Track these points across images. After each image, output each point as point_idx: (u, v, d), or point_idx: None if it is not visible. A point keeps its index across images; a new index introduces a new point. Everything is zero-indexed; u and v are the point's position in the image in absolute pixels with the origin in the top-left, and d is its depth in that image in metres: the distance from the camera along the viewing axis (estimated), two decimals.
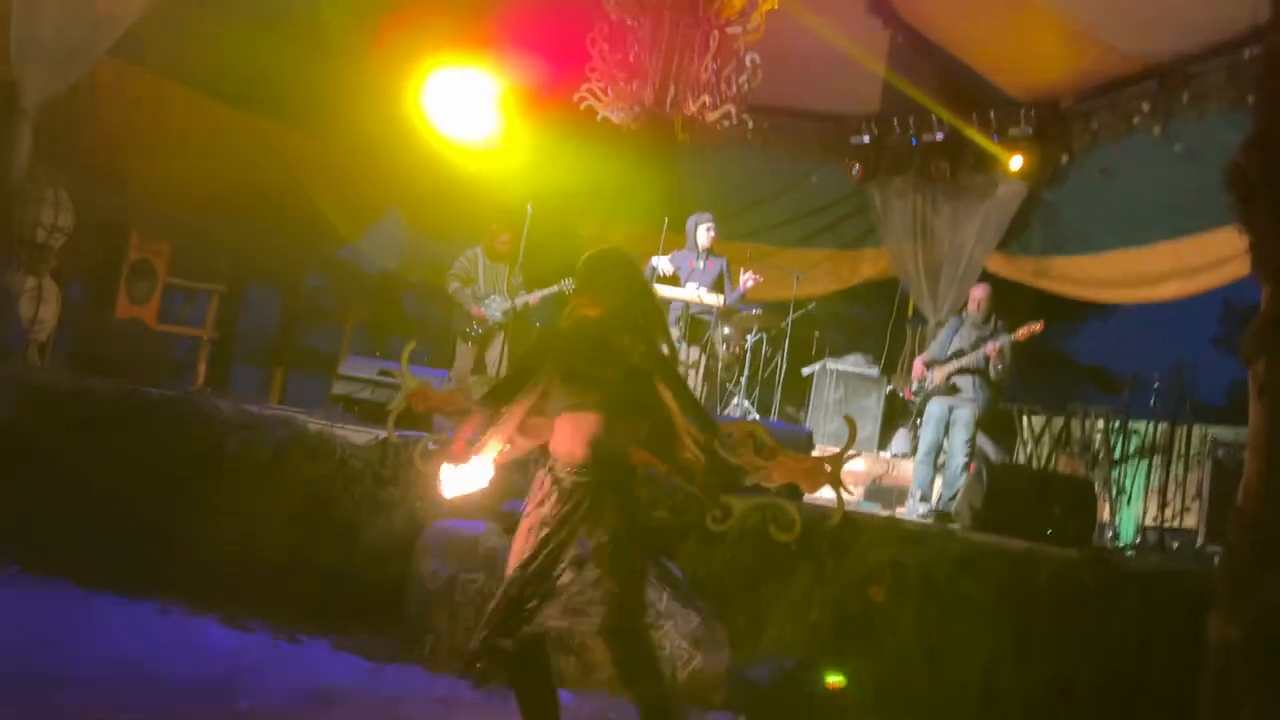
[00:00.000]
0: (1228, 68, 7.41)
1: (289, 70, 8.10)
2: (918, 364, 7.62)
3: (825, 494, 5.76)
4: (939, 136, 9.26)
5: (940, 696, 5.18)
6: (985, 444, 8.36)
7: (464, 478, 3.64)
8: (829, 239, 10.31)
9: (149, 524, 5.38)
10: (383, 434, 5.76)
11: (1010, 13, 7.82)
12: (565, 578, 3.49)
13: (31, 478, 5.46)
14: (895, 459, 8.74)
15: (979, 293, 7.58)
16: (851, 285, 10.38)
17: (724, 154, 9.85)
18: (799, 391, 9.51)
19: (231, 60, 7.99)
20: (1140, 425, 8.15)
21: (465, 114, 8.26)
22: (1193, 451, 7.94)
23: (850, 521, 5.61)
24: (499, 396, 3.69)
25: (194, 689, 4.09)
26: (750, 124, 8.55)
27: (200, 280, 9.41)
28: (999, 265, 9.45)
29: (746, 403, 8.41)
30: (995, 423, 8.36)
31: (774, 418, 8.80)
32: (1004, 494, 6.28)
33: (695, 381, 7.81)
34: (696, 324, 7.94)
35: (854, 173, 9.68)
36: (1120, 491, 7.88)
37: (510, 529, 4.78)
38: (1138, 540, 7.40)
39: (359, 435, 5.89)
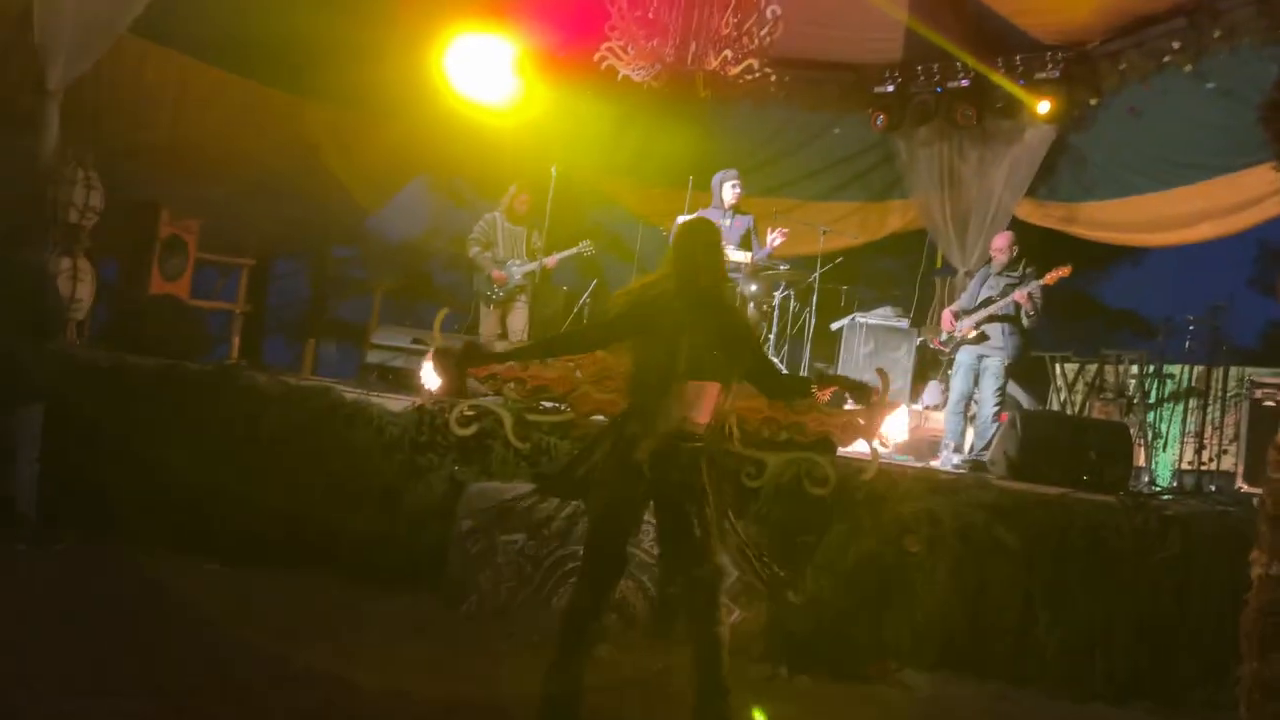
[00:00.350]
0: (1259, 0, 7.25)
1: (310, 43, 8.10)
2: (946, 315, 7.59)
3: (858, 447, 5.83)
4: (964, 83, 9.13)
5: (977, 645, 5.22)
6: (1018, 392, 8.33)
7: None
8: (855, 191, 10.23)
9: (194, 494, 5.51)
10: (418, 400, 5.85)
11: None
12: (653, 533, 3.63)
13: (78, 454, 5.60)
14: (927, 411, 8.72)
15: (1001, 241, 7.54)
16: (879, 237, 10.31)
17: (746, 109, 9.76)
18: (828, 347, 9.48)
19: (253, 34, 8.01)
20: (1175, 369, 8.08)
21: (486, 79, 8.24)
22: (1229, 393, 7.87)
23: (884, 474, 5.64)
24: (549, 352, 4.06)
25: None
26: (772, 77, 8.49)
27: (230, 255, 9.49)
28: (1028, 211, 9.35)
29: (775, 360, 8.41)
30: (1028, 371, 8.33)
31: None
32: (1038, 441, 6.27)
33: None
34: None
35: (878, 123, 9.57)
36: (1156, 436, 7.84)
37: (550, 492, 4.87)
38: (1175, 484, 7.36)
39: (395, 402, 5.97)
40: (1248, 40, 7.38)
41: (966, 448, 7.45)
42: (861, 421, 5.71)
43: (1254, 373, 7.97)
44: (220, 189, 8.77)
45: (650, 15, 7.43)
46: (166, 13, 7.42)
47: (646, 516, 3.89)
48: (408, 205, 11.25)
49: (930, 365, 9.18)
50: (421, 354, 7.88)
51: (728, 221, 7.95)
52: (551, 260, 8.09)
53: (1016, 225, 9.17)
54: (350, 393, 6.07)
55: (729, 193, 7.97)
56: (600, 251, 8.95)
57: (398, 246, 12.06)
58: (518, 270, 8.05)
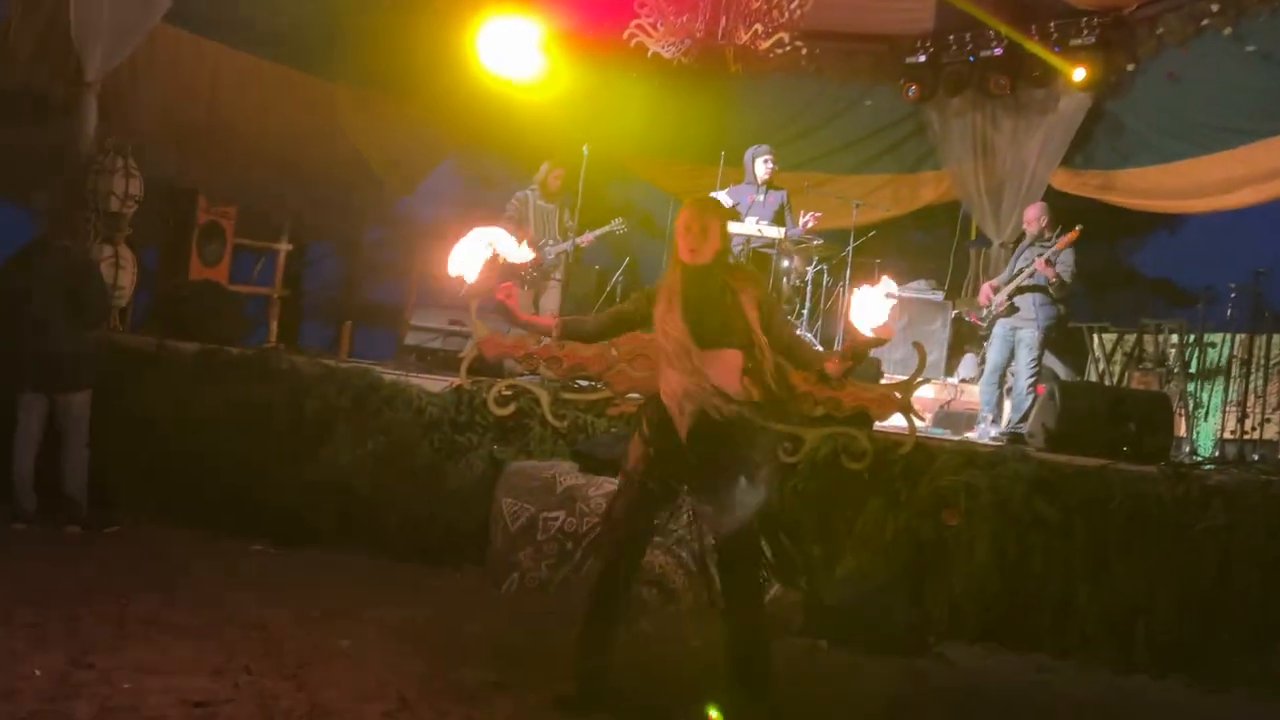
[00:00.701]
0: None
1: (341, 27, 8.16)
2: (985, 289, 7.56)
3: (894, 421, 5.81)
4: (997, 51, 9.02)
5: (1017, 617, 5.22)
6: (1055, 364, 8.26)
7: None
8: (887, 164, 10.15)
9: (239, 476, 5.62)
10: (456, 381, 5.90)
11: None
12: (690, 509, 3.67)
13: (126, 439, 5.73)
14: (963, 384, 8.68)
15: (1031, 212, 7.49)
16: (912, 210, 10.23)
17: (777, 83, 9.71)
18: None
19: (283, 20, 8.08)
20: (1216, 337, 7.97)
21: (516, 59, 8.23)
22: (1272, 361, 7.76)
23: (921, 447, 5.63)
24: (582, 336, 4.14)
25: None
26: (803, 50, 8.43)
27: (266, 240, 9.60)
28: (1063, 181, 9.24)
29: (809, 335, 8.39)
30: (1065, 342, 8.26)
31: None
32: (1077, 413, 6.22)
33: None
34: (758, 258, 7.91)
35: (910, 94, 9.49)
36: (1197, 405, 7.75)
37: (589, 469, 4.93)
38: (1217, 454, 7.29)
39: (433, 383, 6.04)
40: None
41: (1003, 420, 7.41)
42: (898, 395, 5.70)
43: None
44: (255, 174, 8.86)
45: None
46: (199, 1, 7.49)
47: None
48: (438, 187, 11.30)
49: (966, 338, 9.12)
50: (459, 335, 7.97)
51: (761, 197, 7.93)
52: (585, 239, 8.07)
53: (1052, 195, 9.07)
54: (389, 374, 6.15)
55: (761, 168, 7.94)
56: (632, 230, 8.95)
57: (429, 228, 12.10)
58: (551, 250, 8.06)
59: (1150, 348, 8.16)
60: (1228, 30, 7.70)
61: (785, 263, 8.07)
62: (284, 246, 9.75)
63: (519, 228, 8.04)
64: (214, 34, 8.34)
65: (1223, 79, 7.99)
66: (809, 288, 8.38)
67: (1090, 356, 8.66)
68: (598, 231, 8.11)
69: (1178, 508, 5.21)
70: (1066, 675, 4.96)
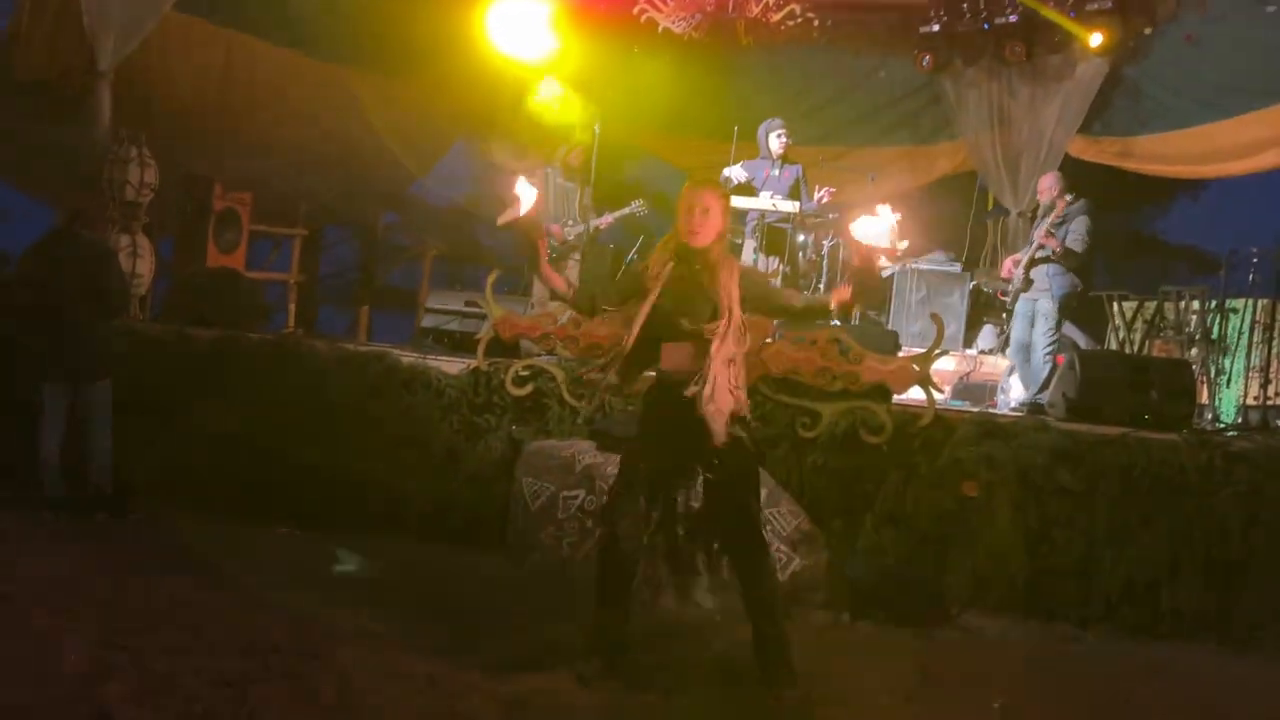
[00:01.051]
0: None
1: (350, 10, 8.15)
2: (1007, 263, 7.52)
3: (913, 395, 5.80)
4: (1012, 18, 8.91)
5: (1040, 587, 5.21)
6: (1075, 333, 8.21)
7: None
8: (902, 135, 10.06)
9: (261, 461, 5.67)
10: (474, 362, 5.92)
11: None
12: (689, 488, 3.68)
13: (148, 427, 5.78)
14: (982, 355, 8.64)
15: (1044, 181, 7.45)
16: (928, 181, 10.14)
17: (789, 56, 9.63)
18: (880, 294, 9.39)
19: (294, 4, 8.06)
20: (1238, 303, 7.89)
21: (526, 38, 8.20)
22: None
23: (941, 419, 5.61)
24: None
25: None
26: (815, 22, 8.37)
27: (282, 226, 9.63)
28: (1082, 148, 9.14)
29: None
30: (1085, 311, 8.20)
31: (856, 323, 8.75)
32: (1098, 382, 6.19)
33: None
34: (773, 233, 7.88)
35: (924, 64, 9.39)
36: (1220, 372, 7.68)
37: (606, 447, 4.95)
38: (1240, 420, 7.23)
39: (451, 365, 6.06)
40: None
41: (1023, 391, 7.38)
42: (916, 368, 5.68)
43: None
44: (269, 161, 8.88)
45: None
46: None
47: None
48: (452, 169, 11.28)
49: (984, 309, 9.07)
50: (475, 317, 7.98)
51: (776, 172, 7.89)
52: (604, 220, 8.03)
53: (1070, 163, 8.98)
54: (407, 357, 6.17)
55: (775, 142, 7.90)
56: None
57: (444, 211, 12.11)
58: (571, 232, 8.00)
59: (1171, 315, 8.09)
60: None
61: (801, 237, 8.03)
62: (299, 232, 9.78)
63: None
64: (225, 20, 8.34)
65: (1242, 40, 7.87)
66: (825, 262, 8.35)
67: (1110, 325, 8.59)
68: (618, 213, 8.06)
69: (1201, 475, 5.19)
70: (1091, 644, 4.97)
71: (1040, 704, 4.02)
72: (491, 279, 6.16)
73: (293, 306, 9.79)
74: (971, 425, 5.57)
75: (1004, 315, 8.68)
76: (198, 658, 3.59)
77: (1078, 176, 7.75)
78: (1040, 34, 8.86)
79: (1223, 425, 6.98)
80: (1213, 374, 7.56)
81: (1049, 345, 7.08)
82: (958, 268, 9.09)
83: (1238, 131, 8.10)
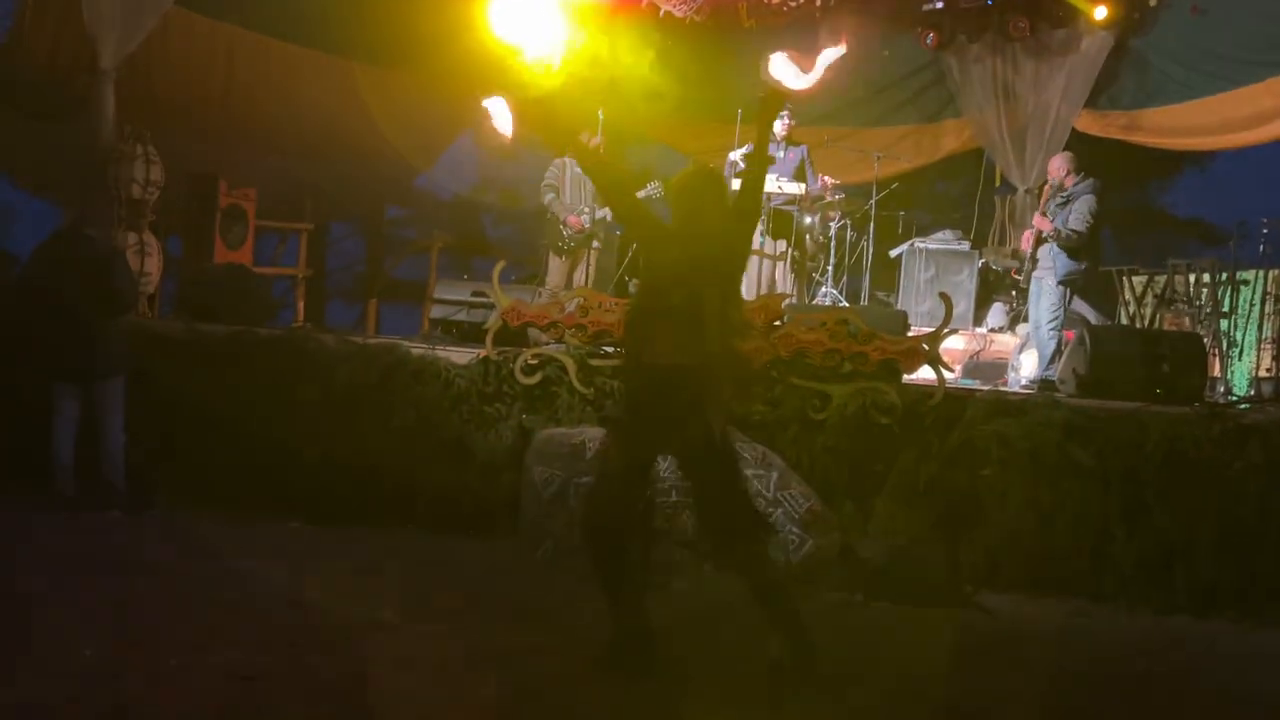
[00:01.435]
0: None
1: (353, 4, 8.12)
2: (1027, 234, 7.50)
3: (924, 374, 5.79)
4: None
5: (1054, 563, 5.21)
6: (1086, 309, 8.17)
7: None
8: (907, 114, 10.01)
9: (273, 456, 5.69)
10: (483, 352, 5.93)
11: None
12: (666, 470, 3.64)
13: (161, 423, 5.81)
14: (992, 334, 8.61)
15: (1054, 162, 7.44)
16: (934, 160, 10.10)
17: (792, 37, 9.57)
18: (888, 275, 9.37)
19: (295, 1, 8.05)
20: (1249, 275, 7.84)
21: (529, 26, 8.15)
22: None
23: (951, 398, 5.60)
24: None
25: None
26: (818, 1, 8.30)
27: (288, 221, 9.65)
28: (1088, 123, 9.08)
29: (835, 291, 8.35)
30: (1095, 287, 8.16)
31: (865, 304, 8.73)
32: (1108, 357, 6.16)
33: (782, 274, 7.74)
34: (780, 216, 7.83)
35: (928, 41, 9.33)
36: (1231, 345, 7.64)
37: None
38: (1253, 392, 7.20)
39: (460, 355, 6.06)
40: None
41: (1033, 369, 7.36)
42: (926, 347, 5.67)
43: None
44: (274, 156, 8.89)
45: None
46: None
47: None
48: (456, 161, 11.28)
49: (994, 287, 9.03)
50: (482, 307, 7.98)
51: (780, 154, 7.84)
52: (607, 213, 7.95)
53: (1077, 138, 8.92)
54: (416, 348, 6.18)
55: (778, 124, 7.84)
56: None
57: (449, 203, 12.12)
58: (587, 218, 7.91)
59: (1181, 288, 8.05)
60: None
61: (807, 219, 8.00)
62: (306, 226, 9.79)
63: (558, 196, 7.95)
64: (227, 16, 8.33)
65: (1249, 9, 7.81)
66: (832, 244, 8.33)
67: (1120, 300, 8.56)
68: None
69: (1214, 448, 5.17)
70: (1106, 619, 4.96)
71: (1058, 681, 4.00)
72: (498, 269, 6.17)
73: (301, 301, 9.81)
74: (982, 403, 5.56)
75: (1013, 293, 8.66)
76: (212, 652, 3.60)
77: (1085, 151, 7.70)
78: (1044, 8, 8.80)
79: (1235, 398, 6.95)
80: (1224, 346, 7.53)
81: (1051, 321, 7.06)
82: (966, 246, 9.05)
83: (1245, 102, 8.04)
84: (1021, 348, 7.78)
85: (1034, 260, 7.20)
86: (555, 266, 7.92)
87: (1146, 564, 5.13)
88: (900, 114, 10.01)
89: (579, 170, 7.91)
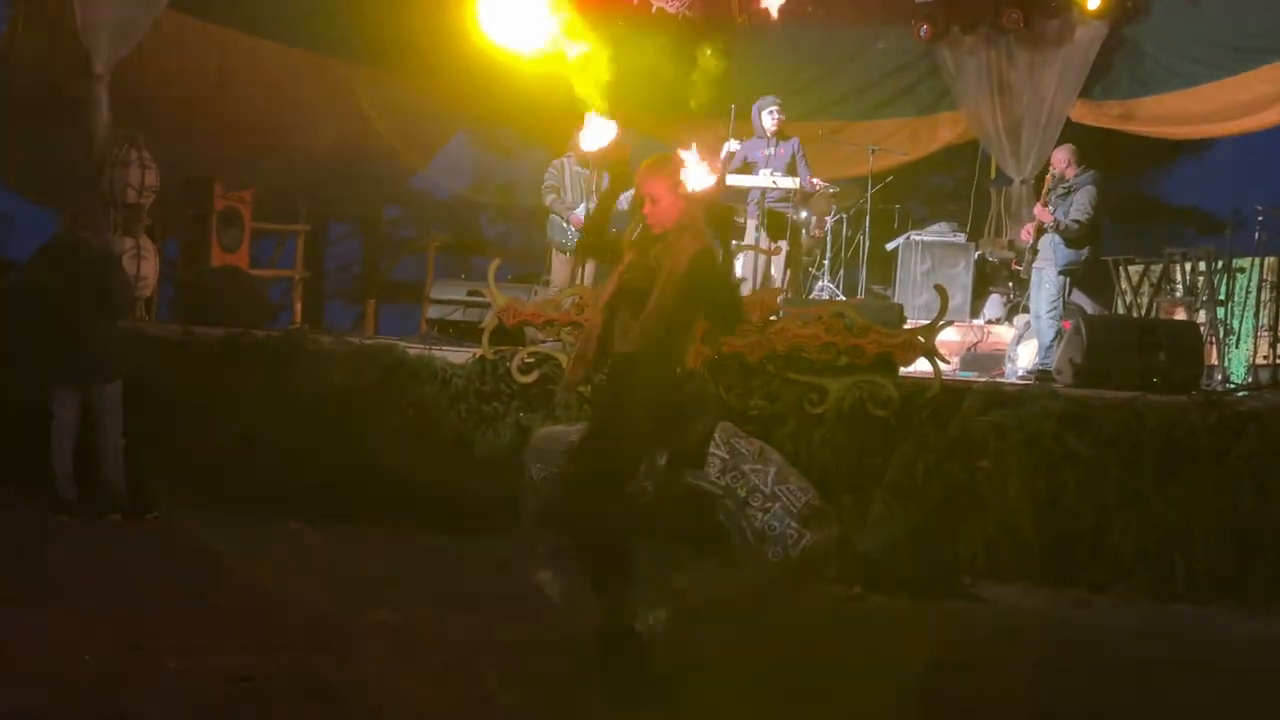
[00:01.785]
0: None
1: (344, 6, 8.12)
2: (1026, 228, 7.52)
3: (920, 366, 5.79)
4: None
5: (1053, 554, 5.21)
6: (1083, 299, 8.18)
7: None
8: (902, 107, 10.00)
9: (272, 457, 5.69)
10: (479, 351, 5.94)
11: None
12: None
13: (159, 426, 5.81)
14: (989, 325, 8.62)
15: (1058, 155, 7.46)
16: (929, 152, 10.09)
17: (784, 31, 9.55)
18: (885, 268, 9.38)
19: (287, 2, 8.04)
20: (1245, 262, 7.85)
21: (520, 25, 8.15)
22: None
23: (948, 390, 5.61)
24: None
25: None
26: None
27: (285, 223, 9.66)
28: (1083, 113, 9.08)
29: (831, 285, 8.35)
30: (1091, 277, 8.17)
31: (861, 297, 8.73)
32: (1104, 346, 6.17)
33: (778, 270, 7.74)
34: (774, 215, 7.81)
35: (922, 34, 9.31)
36: (1228, 332, 7.65)
37: None
38: (1249, 380, 7.21)
39: (457, 355, 6.07)
40: None
41: (1031, 359, 7.37)
42: (922, 339, 5.67)
43: None
44: (269, 158, 8.89)
45: None
46: None
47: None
48: (451, 161, 11.30)
49: (990, 279, 9.04)
50: (479, 306, 7.97)
51: (771, 150, 7.83)
52: (620, 201, 7.90)
53: (1072, 128, 8.92)
54: (414, 348, 6.19)
55: (768, 120, 7.85)
56: None
57: (446, 203, 12.14)
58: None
59: (1177, 277, 8.06)
60: None
61: (803, 214, 7.99)
62: (302, 228, 9.80)
63: (559, 196, 7.94)
64: (219, 18, 8.33)
65: None
66: (829, 237, 8.33)
67: (1117, 289, 8.56)
68: (629, 194, 7.94)
69: (1211, 436, 5.17)
70: (1106, 608, 4.97)
71: (1058, 670, 4.01)
72: (494, 267, 6.17)
73: (298, 303, 9.82)
74: (979, 395, 5.56)
75: (1010, 284, 8.66)
76: (212, 656, 3.61)
77: (1080, 141, 7.70)
78: None
79: (1232, 385, 6.96)
80: (1221, 334, 7.54)
81: (1050, 311, 7.08)
82: (962, 238, 9.05)
83: (1239, 90, 8.04)
84: (1018, 339, 7.80)
85: (1034, 251, 7.22)
86: (560, 264, 7.92)
87: (1145, 553, 5.14)
88: (895, 107, 10.00)
89: (579, 169, 7.92)
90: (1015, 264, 7.79)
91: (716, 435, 4.82)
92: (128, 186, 7.24)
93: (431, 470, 5.68)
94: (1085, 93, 9.05)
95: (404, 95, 9.76)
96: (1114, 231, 9.53)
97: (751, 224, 7.92)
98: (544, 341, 6.12)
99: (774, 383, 5.65)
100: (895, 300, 8.53)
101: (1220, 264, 7.72)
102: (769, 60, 9.63)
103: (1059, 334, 6.94)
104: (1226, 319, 7.71)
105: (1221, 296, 7.69)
